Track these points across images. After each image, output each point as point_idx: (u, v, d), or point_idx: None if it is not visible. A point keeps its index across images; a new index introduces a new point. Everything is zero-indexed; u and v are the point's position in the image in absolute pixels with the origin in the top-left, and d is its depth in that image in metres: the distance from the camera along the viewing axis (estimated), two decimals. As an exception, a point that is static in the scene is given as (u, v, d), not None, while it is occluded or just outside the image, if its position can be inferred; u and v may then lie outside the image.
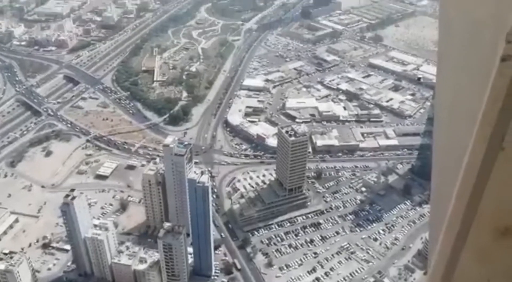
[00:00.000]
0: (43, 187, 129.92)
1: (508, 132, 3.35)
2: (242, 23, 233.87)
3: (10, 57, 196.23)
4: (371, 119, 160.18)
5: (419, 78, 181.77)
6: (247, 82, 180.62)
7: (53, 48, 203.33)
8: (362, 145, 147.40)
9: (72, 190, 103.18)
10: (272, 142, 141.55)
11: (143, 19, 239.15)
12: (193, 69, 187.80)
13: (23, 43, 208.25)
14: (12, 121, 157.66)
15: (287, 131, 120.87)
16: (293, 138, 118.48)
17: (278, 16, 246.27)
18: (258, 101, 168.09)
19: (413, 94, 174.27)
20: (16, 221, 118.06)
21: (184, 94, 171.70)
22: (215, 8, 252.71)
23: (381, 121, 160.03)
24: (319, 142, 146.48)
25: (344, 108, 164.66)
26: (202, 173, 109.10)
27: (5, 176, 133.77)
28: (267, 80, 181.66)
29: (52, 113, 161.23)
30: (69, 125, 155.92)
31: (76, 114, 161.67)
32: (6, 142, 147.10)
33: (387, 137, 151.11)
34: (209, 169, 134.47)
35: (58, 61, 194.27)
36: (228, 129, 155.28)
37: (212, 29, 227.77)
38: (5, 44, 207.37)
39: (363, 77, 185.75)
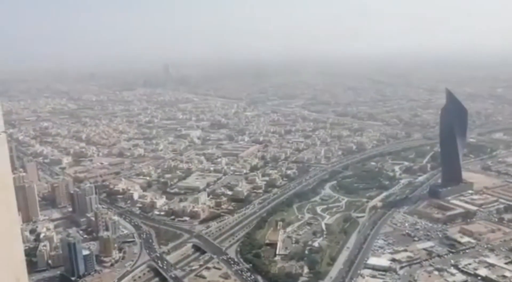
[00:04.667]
0: None
1: None
2: (367, 200, 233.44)
3: (150, 225, 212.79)
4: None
5: None
6: (372, 261, 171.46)
7: (187, 218, 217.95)
8: None
9: None
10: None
11: (270, 194, 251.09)
12: (316, 244, 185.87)
13: (162, 213, 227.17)
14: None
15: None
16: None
17: (404, 195, 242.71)
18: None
19: None
20: None
21: (306, 270, 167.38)
22: (339, 185, 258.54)
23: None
24: None
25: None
26: None
27: None
28: (393, 260, 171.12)
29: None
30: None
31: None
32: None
33: None
34: None
35: (189, 231, 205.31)
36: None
37: (336, 205, 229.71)
38: (147, 214, 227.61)
39: (506, 263, 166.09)
